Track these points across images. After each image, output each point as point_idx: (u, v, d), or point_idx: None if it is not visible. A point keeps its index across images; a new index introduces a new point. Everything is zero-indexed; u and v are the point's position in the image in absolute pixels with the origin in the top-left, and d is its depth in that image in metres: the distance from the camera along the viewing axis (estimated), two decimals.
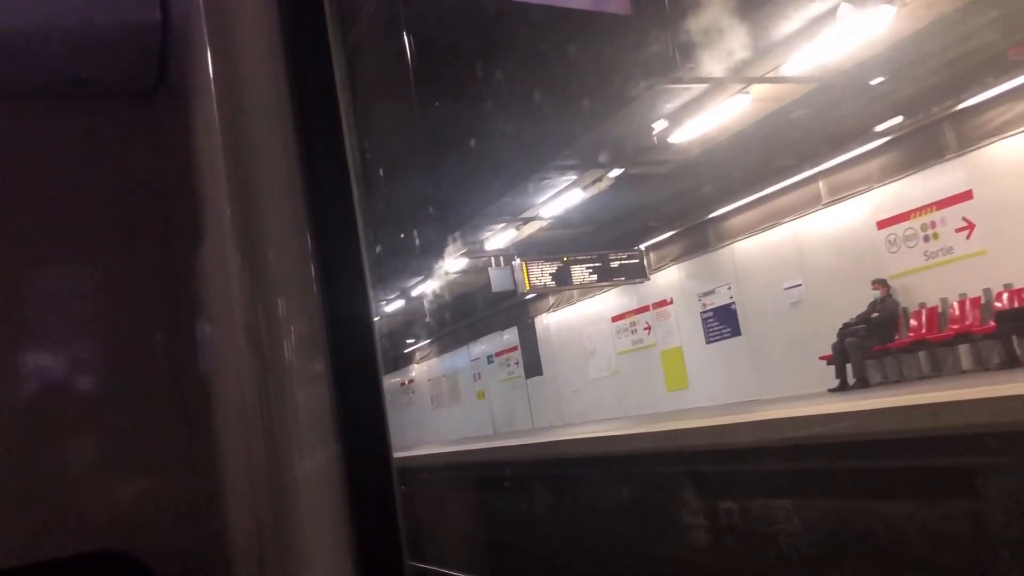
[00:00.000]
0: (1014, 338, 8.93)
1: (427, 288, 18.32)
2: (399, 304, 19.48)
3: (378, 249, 14.78)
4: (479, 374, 22.07)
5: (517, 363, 19.87)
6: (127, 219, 1.05)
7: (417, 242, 14.86)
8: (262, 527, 0.76)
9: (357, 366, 0.78)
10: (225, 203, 0.80)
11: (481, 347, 21.77)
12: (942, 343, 9.76)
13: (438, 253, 15.43)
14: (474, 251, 14.39)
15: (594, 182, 10.63)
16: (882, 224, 11.07)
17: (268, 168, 0.81)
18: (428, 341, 22.80)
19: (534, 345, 19.12)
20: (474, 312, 20.63)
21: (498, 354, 20.94)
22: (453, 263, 15.63)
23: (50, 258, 1.03)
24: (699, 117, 9.63)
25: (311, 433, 0.75)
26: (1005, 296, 9.25)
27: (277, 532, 0.73)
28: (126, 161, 1.05)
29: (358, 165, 0.85)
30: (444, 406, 23.99)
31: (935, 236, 10.39)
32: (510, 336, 20.05)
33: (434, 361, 24.84)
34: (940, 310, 10.20)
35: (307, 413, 0.76)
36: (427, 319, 19.92)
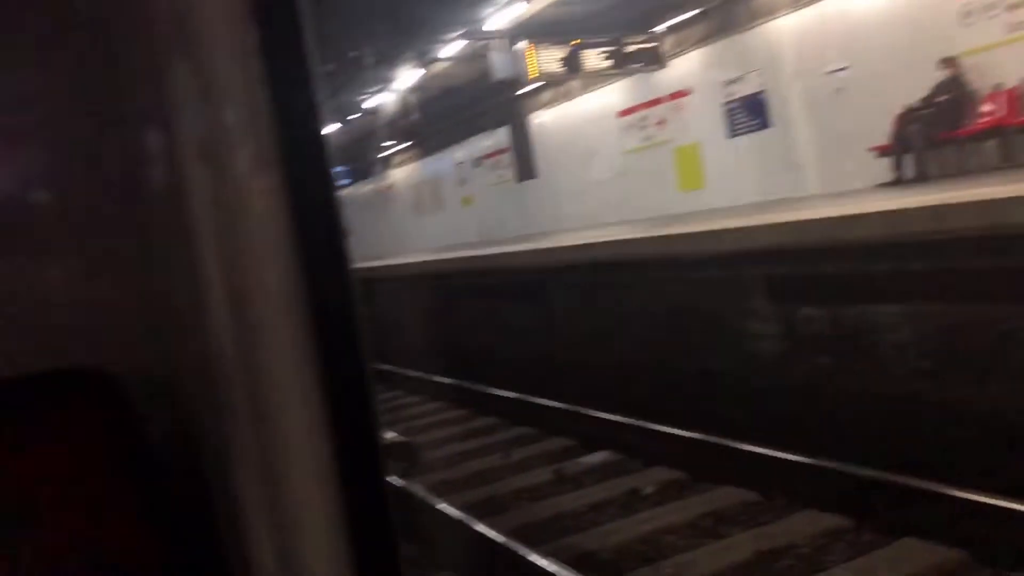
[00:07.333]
0: None
1: (409, 81, 16.50)
2: (383, 99, 17.69)
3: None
4: (464, 179, 20.65)
5: (508, 166, 18.40)
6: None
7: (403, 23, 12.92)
8: (229, 347, 0.72)
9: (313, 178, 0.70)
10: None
11: (467, 150, 20.20)
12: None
13: (426, 36, 13.58)
14: (472, 32, 12.59)
15: None
16: None
17: None
18: (409, 144, 21.12)
19: (528, 146, 17.62)
20: (460, 111, 18.88)
21: (486, 157, 19.44)
22: (444, 49, 13.85)
23: None
24: None
25: (269, 253, 0.69)
26: None
27: (244, 349, 0.70)
28: None
29: None
30: (427, 213, 22.67)
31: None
32: (500, 137, 18.45)
33: (415, 165, 23.29)
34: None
35: (263, 233, 0.69)
36: (409, 118, 18.12)
